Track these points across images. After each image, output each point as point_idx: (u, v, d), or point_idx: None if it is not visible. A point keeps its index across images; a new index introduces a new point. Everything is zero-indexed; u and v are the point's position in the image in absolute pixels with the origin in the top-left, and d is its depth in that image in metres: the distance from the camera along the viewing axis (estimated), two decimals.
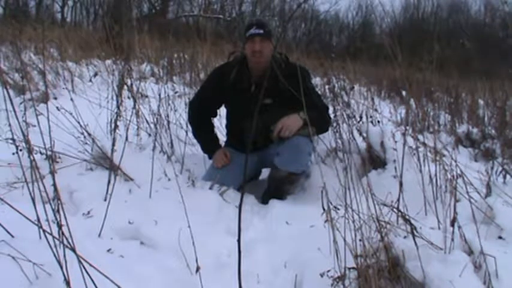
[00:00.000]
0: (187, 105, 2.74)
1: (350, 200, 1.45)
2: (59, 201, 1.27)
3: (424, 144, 2.20)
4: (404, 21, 23.07)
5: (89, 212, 1.92)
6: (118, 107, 2.24)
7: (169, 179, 2.29)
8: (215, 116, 2.74)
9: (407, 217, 1.53)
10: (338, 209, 1.44)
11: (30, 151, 1.36)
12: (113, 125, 2.24)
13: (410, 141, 2.16)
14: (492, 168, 2.22)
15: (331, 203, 1.42)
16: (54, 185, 1.30)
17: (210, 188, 2.36)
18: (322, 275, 1.51)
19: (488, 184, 2.03)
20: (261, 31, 2.35)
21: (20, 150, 1.62)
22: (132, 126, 2.53)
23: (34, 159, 1.35)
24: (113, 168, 2.16)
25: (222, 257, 1.79)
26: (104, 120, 2.60)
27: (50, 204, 1.29)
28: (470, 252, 1.50)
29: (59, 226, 1.22)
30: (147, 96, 2.98)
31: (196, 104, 2.63)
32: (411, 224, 1.50)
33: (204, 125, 2.66)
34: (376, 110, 3.28)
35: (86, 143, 2.38)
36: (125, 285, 1.15)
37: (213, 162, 2.57)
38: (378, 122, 2.83)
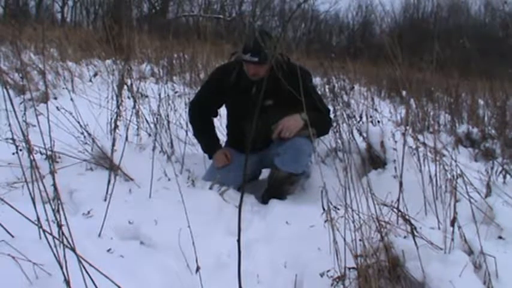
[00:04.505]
0: (188, 105, 2.74)
1: (350, 200, 1.46)
2: (59, 201, 1.27)
3: (424, 144, 2.20)
4: (404, 21, 23.04)
5: (89, 212, 1.92)
6: (118, 107, 2.24)
7: (169, 179, 2.28)
8: (216, 116, 2.74)
9: (407, 217, 1.53)
10: (338, 209, 1.44)
11: (30, 151, 1.36)
12: (112, 125, 2.24)
13: (410, 141, 2.16)
14: (492, 168, 2.22)
15: (331, 203, 1.42)
16: (54, 185, 1.30)
17: (210, 188, 2.35)
18: (322, 275, 1.51)
19: (488, 184, 2.03)
20: (256, 59, 2.29)
21: (20, 150, 1.62)
22: (132, 126, 2.52)
23: (34, 159, 1.35)
24: (113, 168, 2.15)
25: (222, 257, 1.79)
26: (104, 120, 2.60)
27: (50, 204, 1.29)
28: (470, 252, 1.50)
29: (59, 226, 1.22)
30: (147, 96, 2.98)
31: (197, 104, 2.64)
32: (411, 224, 1.50)
33: (204, 125, 2.66)
34: (376, 110, 3.29)
35: (86, 143, 2.38)
36: (124, 285, 1.15)
37: (214, 162, 2.57)
38: (378, 122, 2.83)
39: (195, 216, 1.58)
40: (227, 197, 2.31)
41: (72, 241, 1.20)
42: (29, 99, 2.97)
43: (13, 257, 1.32)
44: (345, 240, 1.41)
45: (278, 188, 2.51)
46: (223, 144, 2.75)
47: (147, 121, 2.72)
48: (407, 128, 2.23)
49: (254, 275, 1.68)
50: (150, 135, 2.70)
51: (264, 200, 2.51)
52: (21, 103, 1.88)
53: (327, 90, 3.18)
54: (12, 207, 1.39)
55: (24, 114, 1.70)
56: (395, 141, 2.41)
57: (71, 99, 2.49)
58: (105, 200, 1.99)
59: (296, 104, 1.80)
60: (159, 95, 2.70)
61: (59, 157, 2.30)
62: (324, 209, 1.42)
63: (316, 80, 3.63)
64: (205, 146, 2.66)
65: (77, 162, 2.31)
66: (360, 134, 2.73)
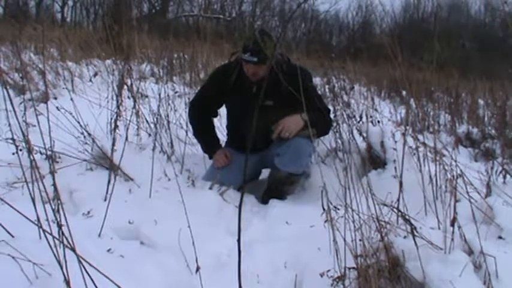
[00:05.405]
0: (188, 105, 2.73)
1: (350, 200, 1.46)
2: (59, 201, 1.27)
3: (424, 144, 2.19)
4: (404, 21, 23.04)
5: (89, 212, 1.92)
6: (118, 107, 2.24)
7: (169, 179, 2.29)
8: (216, 116, 2.74)
9: (407, 217, 1.53)
10: (338, 209, 1.44)
11: (30, 151, 1.36)
12: (112, 125, 2.24)
13: (410, 141, 2.16)
14: (492, 168, 2.22)
15: (331, 203, 1.42)
16: (54, 185, 1.30)
17: (210, 188, 2.36)
18: (322, 275, 1.51)
19: (488, 184, 2.03)
20: (255, 59, 2.29)
21: (20, 150, 1.62)
22: (132, 126, 2.52)
23: (34, 159, 1.35)
24: (113, 168, 2.16)
25: (222, 257, 1.80)
26: (104, 120, 2.60)
27: (50, 204, 1.29)
28: (470, 252, 1.50)
29: (59, 226, 1.22)
30: (147, 96, 2.98)
31: (197, 104, 2.63)
32: (411, 224, 1.50)
33: (204, 125, 2.66)
34: (376, 110, 3.29)
35: (86, 143, 2.38)
36: (124, 285, 1.15)
37: (214, 163, 2.56)
38: (378, 122, 2.82)
39: (195, 216, 1.58)
40: (227, 197, 2.32)
41: (72, 241, 1.20)
42: (29, 99, 2.97)
43: (13, 257, 1.32)
44: (345, 240, 1.41)
45: (278, 188, 2.51)
46: (223, 144, 2.75)
47: (147, 121, 2.72)
48: (407, 128, 2.22)
49: (254, 275, 1.68)
50: (150, 135, 2.71)
51: (264, 200, 2.51)
52: (21, 103, 1.88)
53: (327, 90, 3.18)
54: (12, 207, 1.39)
55: (24, 114, 1.70)
56: (396, 141, 2.40)
57: (71, 99, 2.48)
58: (105, 200, 1.99)
59: (296, 104, 1.80)
60: (159, 95, 2.70)
61: (59, 157, 2.30)
62: (324, 209, 1.42)
63: (316, 80, 3.63)
64: (205, 146, 2.66)
65: (77, 162, 2.31)
66: (360, 134, 2.73)
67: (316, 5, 22.78)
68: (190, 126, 2.70)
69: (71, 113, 2.36)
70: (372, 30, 22.72)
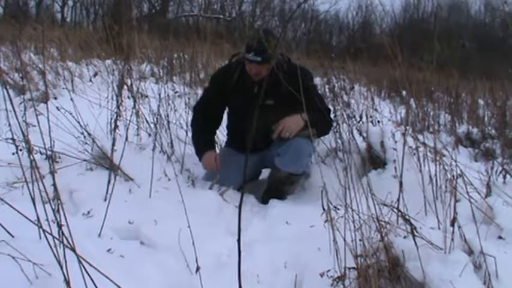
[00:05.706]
0: (192, 109, 2.71)
1: (350, 200, 1.46)
2: (59, 201, 1.27)
3: (424, 144, 2.19)
4: (404, 21, 23.04)
5: (89, 212, 1.92)
6: (118, 107, 2.24)
7: (169, 179, 2.29)
8: (218, 125, 2.69)
9: (407, 217, 1.53)
10: (338, 209, 1.44)
11: (30, 151, 1.36)
12: (112, 125, 2.24)
13: (410, 141, 2.16)
14: (492, 168, 2.22)
15: (331, 203, 1.42)
16: (54, 185, 1.30)
17: (210, 188, 2.36)
18: (322, 275, 1.51)
19: (488, 184, 2.03)
20: (259, 59, 2.28)
21: (20, 150, 1.62)
22: (132, 126, 2.52)
23: (34, 159, 1.35)
24: (112, 168, 2.16)
25: (222, 257, 1.80)
26: (104, 120, 2.60)
27: (50, 204, 1.29)
28: (470, 252, 1.50)
29: (59, 226, 1.22)
30: (147, 96, 2.98)
31: (200, 108, 2.61)
32: (411, 224, 1.50)
33: (204, 129, 2.60)
34: (376, 110, 3.29)
35: (86, 143, 2.38)
36: (124, 285, 1.15)
37: (202, 165, 2.52)
38: (378, 122, 2.82)
39: (195, 216, 1.58)
40: (227, 197, 2.31)
41: (72, 241, 1.20)
42: (29, 99, 2.97)
43: (13, 257, 1.32)
44: (345, 240, 1.41)
45: (278, 188, 2.51)
46: (223, 144, 2.74)
47: (147, 121, 2.72)
48: (407, 128, 2.22)
49: (254, 275, 1.68)
50: (150, 135, 2.70)
51: (264, 200, 2.51)
52: (21, 103, 1.88)
53: (327, 90, 3.18)
54: (12, 207, 1.39)
55: (24, 114, 1.69)
56: (396, 141, 2.40)
57: (71, 99, 2.48)
58: (105, 200, 1.99)
59: (297, 103, 1.80)
60: (159, 95, 2.70)
61: (59, 157, 2.30)
62: (324, 209, 1.42)
63: (316, 80, 3.63)
64: (197, 147, 2.58)
65: (77, 162, 2.31)
66: (360, 134, 2.73)
67: (316, 5, 22.81)
68: (190, 128, 2.67)
69: (71, 113, 2.36)
70: (372, 30, 22.71)
